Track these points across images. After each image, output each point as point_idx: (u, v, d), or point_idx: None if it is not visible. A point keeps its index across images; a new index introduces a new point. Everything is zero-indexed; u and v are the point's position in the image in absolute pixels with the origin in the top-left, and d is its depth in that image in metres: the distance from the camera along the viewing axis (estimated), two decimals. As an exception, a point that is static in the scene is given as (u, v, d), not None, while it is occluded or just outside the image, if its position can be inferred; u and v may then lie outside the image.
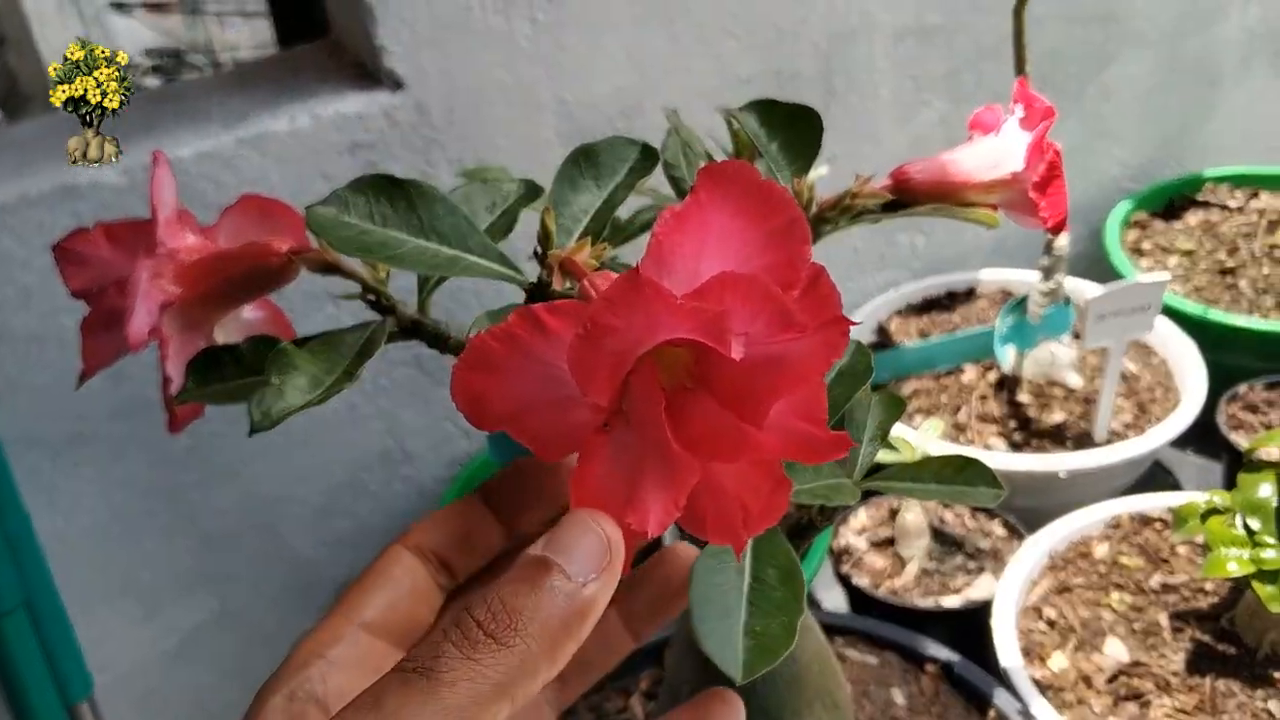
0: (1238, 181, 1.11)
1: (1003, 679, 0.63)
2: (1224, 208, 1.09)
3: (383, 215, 0.34)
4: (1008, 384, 0.88)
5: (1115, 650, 0.65)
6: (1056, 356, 0.87)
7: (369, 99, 0.72)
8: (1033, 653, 0.66)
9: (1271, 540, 0.59)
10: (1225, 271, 1.00)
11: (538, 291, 0.34)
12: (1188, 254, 1.04)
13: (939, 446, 0.75)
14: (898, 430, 0.74)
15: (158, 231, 0.37)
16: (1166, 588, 0.69)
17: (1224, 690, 0.62)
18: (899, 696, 0.64)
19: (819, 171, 0.41)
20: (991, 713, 0.62)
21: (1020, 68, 0.59)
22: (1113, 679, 0.64)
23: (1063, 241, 0.80)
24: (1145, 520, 0.74)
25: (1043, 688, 0.63)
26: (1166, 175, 1.13)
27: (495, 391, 0.24)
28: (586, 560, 0.24)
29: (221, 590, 0.83)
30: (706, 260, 0.24)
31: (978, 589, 0.74)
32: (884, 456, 0.38)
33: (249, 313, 0.41)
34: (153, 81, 2.23)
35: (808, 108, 0.39)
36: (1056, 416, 0.86)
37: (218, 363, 0.36)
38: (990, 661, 0.65)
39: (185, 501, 0.78)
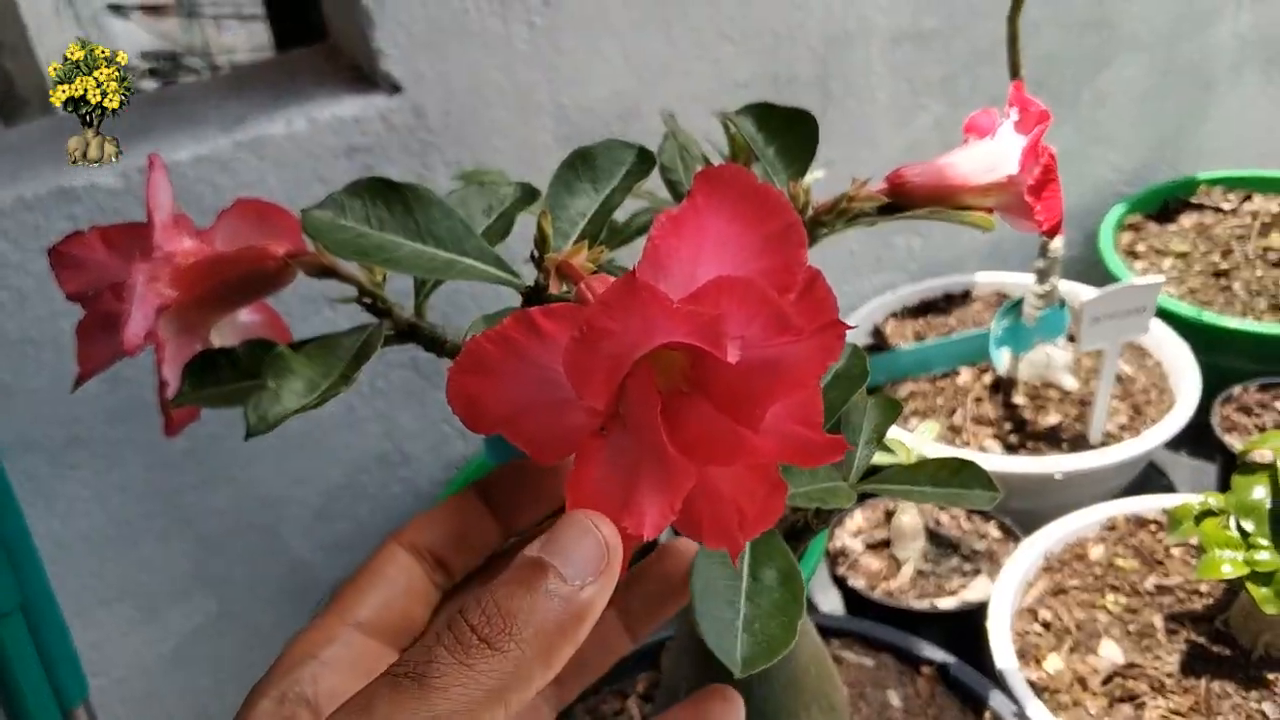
0: (1231, 184, 1.12)
1: (998, 681, 0.63)
2: (1218, 210, 1.10)
3: (379, 219, 0.34)
4: (1003, 386, 0.89)
5: (1110, 652, 0.66)
6: (1052, 359, 0.88)
7: (366, 102, 0.72)
8: (1028, 654, 0.66)
9: (1265, 542, 0.59)
10: (1219, 274, 1.01)
11: (534, 295, 0.34)
12: (1182, 256, 1.04)
13: (935, 449, 0.75)
14: (893, 432, 0.74)
15: (154, 235, 0.37)
16: (1161, 589, 0.69)
17: (1219, 691, 0.62)
18: (895, 698, 0.64)
19: (815, 175, 0.41)
20: (987, 714, 0.62)
21: (1015, 72, 0.59)
22: (1108, 680, 0.64)
23: (1058, 244, 0.80)
24: (1140, 522, 0.75)
25: (1038, 689, 0.63)
26: (1160, 178, 1.13)
27: (491, 394, 0.24)
28: (584, 563, 0.23)
29: (219, 593, 0.83)
30: (703, 264, 0.24)
31: (973, 591, 0.74)
32: (880, 459, 0.38)
33: (245, 316, 0.41)
34: (149, 84, 2.23)
35: (804, 112, 0.40)
36: (1052, 419, 0.86)
37: (214, 366, 0.36)
38: (986, 663, 0.65)
39: (182, 504, 0.78)
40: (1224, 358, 0.90)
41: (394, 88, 0.73)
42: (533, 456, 0.25)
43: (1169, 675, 0.63)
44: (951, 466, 0.38)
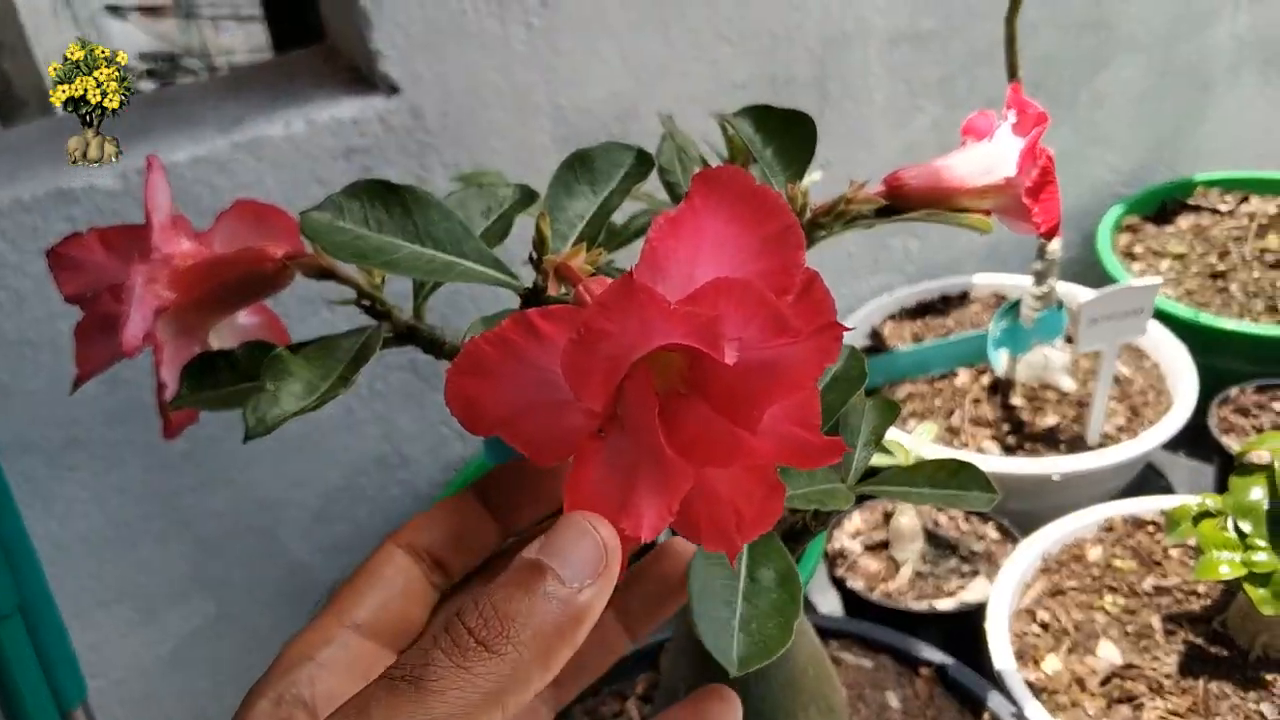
0: (1228, 186, 1.12)
1: (997, 682, 0.64)
2: (1215, 212, 1.10)
3: (378, 221, 0.34)
4: (1001, 388, 0.89)
5: (1108, 653, 0.66)
6: (1049, 360, 0.88)
7: (364, 104, 0.73)
8: (1026, 655, 0.66)
9: (1263, 543, 0.59)
10: (1216, 275, 1.01)
11: (533, 297, 0.34)
12: (1179, 258, 1.04)
13: (933, 450, 0.75)
14: (892, 434, 0.74)
15: (152, 237, 0.37)
16: (1159, 590, 0.69)
17: (1216, 692, 0.62)
18: (894, 700, 0.64)
19: (813, 177, 0.41)
20: (986, 715, 0.62)
21: (1013, 74, 0.59)
22: (1106, 681, 0.64)
23: (1055, 246, 0.80)
24: (1138, 523, 0.75)
25: (1036, 690, 0.63)
26: (1158, 180, 1.13)
27: (489, 396, 0.24)
28: (582, 565, 0.23)
29: (217, 595, 0.83)
30: (701, 266, 0.24)
31: (972, 592, 0.74)
32: (878, 460, 0.38)
33: (244, 318, 0.41)
34: (147, 85, 2.23)
35: (802, 113, 0.40)
36: (1050, 420, 0.86)
37: (213, 368, 0.36)
38: (984, 664, 0.65)
39: (181, 507, 0.78)
40: (1221, 359, 0.91)
41: (392, 89, 0.73)
42: (531, 458, 0.25)
43: (1167, 676, 0.63)
44: (949, 468, 0.38)
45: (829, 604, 0.80)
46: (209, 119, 0.72)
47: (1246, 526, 0.60)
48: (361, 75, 0.74)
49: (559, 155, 0.37)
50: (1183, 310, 0.93)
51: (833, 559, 0.78)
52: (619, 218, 0.43)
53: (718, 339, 0.23)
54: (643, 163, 0.37)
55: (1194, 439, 0.86)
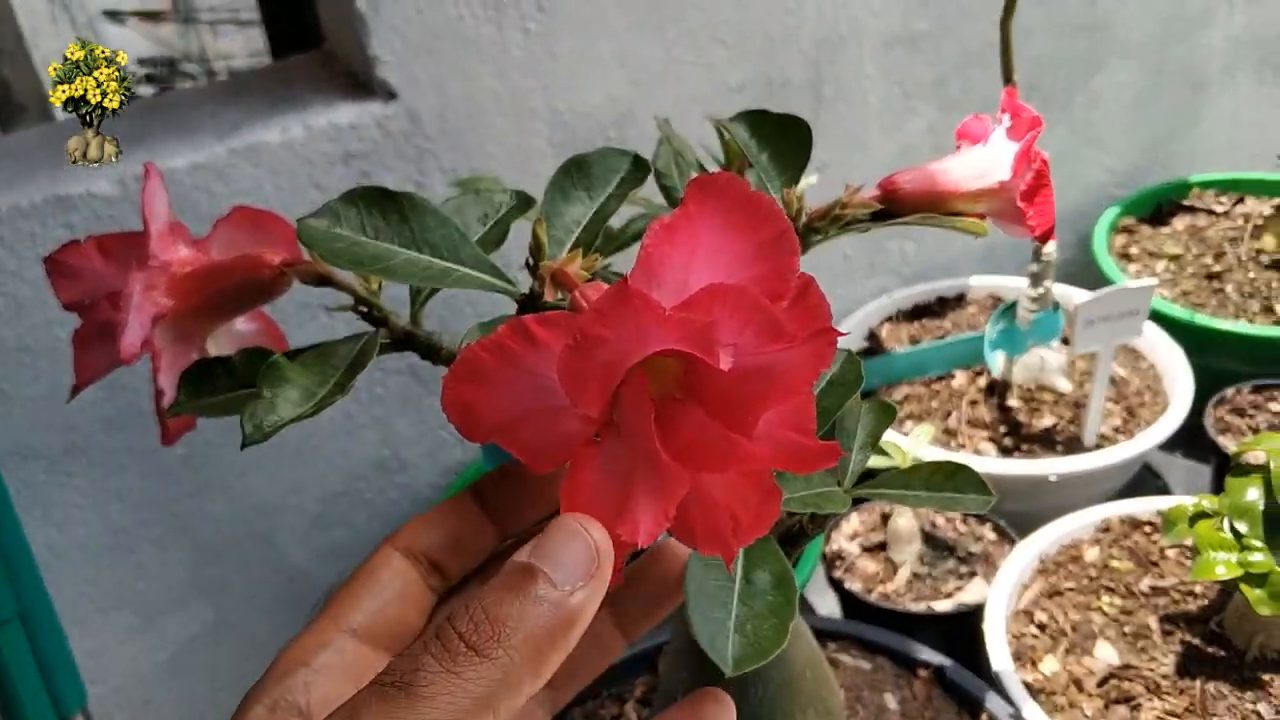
0: (1223, 186, 1.12)
1: (994, 683, 0.64)
2: (1210, 212, 1.10)
3: (375, 227, 0.34)
4: (998, 389, 0.89)
5: (1106, 653, 0.66)
6: (1046, 361, 0.88)
7: (362, 109, 0.73)
8: (1024, 656, 0.66)
9: (1259, 543, 0.59)
10: (1212, 276, 1.01)
11: (529, 302, 0.34)
12: (1175, 259, 1.05)
13: (929, 452, 0.75)
14: (889, 436, 0.74)
15: (150, 244, 0.37)
16: (1156, 591, 0.69)
17: (1214, 692, 0.62)
18: (891, 701, 0.64)
19: (808, 181, 0.41)
20: (984, 717, 0.62)
21: (1008, 77, 0.59)
22: (1103, 682, 0.64)
23: (1051, 248, 0.80)
24: (1135, 524, 0.75)
25: (1034, 691, 0.63)
26: (1153, 181, 1.13)
27: (486, 402, 0.24)
28: (574, 567, 0.23)
29: (216, 601, 0.83)
30: (696, 272, 0.24)
31: (969, 593, 0.74)
32: (875, 461, 0.38)
33: (242, 324, 0.41)
34: (146, 90, 2.23)
35: (798, 118, 0.40)
36: (1046, 421, 0.86)
37: (210, 375, 0.36)
38: (982, 665, 0.65)
39: (179, 513, 0.78)
40: (1217, 360, 0.91)
41: (390, 94, 0.73)
42: (528, 464, 0.25)
43: (1164, 676, 0.64)
44: (946, 471, 0.38)
45: (827, 605, 0.80)
46: (207, 125, 0.72)
47: (1243, 527, 0.60)
48: (359, 81, 0.75)
49: (556, 160, 0.37)
50: (1179, 311, 0.94)
51: (831, 561, 0.79)
52: (616, 222, 0.43)
53: (713, 345, 0.23)
54: (639, 168, 0.38)
55: (1190, 439, 0.86)
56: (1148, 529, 0.74)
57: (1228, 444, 0.83)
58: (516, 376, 0.24)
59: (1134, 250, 1.07)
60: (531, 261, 0.34)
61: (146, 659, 0.82)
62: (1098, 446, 0.83)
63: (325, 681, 0.27)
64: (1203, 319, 0.93)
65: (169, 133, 0.71)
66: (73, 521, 0.75)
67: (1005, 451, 0.84)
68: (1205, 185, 1.13)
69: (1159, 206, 1.12)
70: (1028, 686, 0.63)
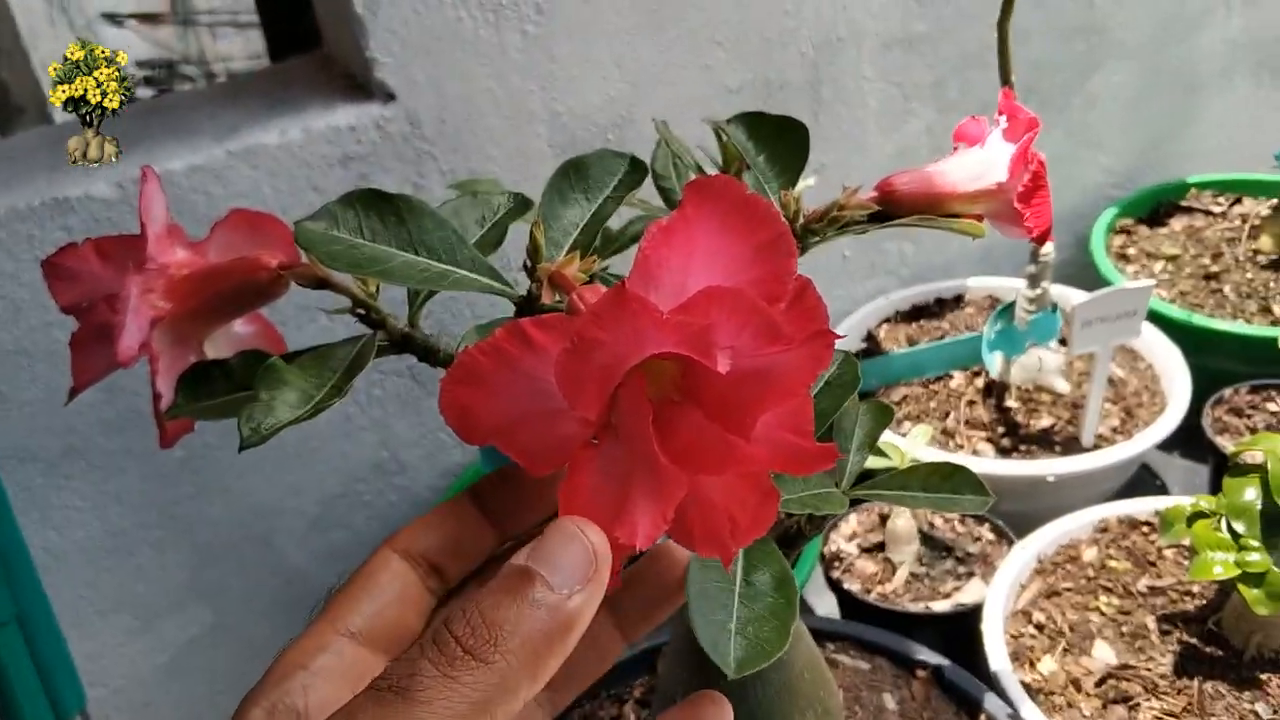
0: (1221, 187, 1.13)
1: (993, 683, 0.64)
2: (1208, 213, 1.10)
3: (372, 230, 0.34)
4: (996, 390, 0.89)
5: (1104, 653, 0.66)
6: (1044, 362, 0.88)
7: (360, 111, 0.73)
8: (1022, 656, 0.66)
9: (1256, 543, 0.59)
10: (1209, 276, 1.01)
11: (527, 305, 0.34)
12: (1172, 259, 1.05)
13: (927, 452, 0.75)
14: (886, 436, 0.74)
15: (148, 247, 0.37)
16: (1154, 591, 0.70)
17: (1211, 692, 0.62)
18: (890, 702, 0.64)
19: (806, 183, 0.41)
20: (982, 717, 0.63)
21: (1005, 79, 0.59)
22: (1101, 682, 0.64)
23: (1049, 249, 0.80)
24: (1133, 524, 0.75)
25: (1032, 691, 0.63)
26: (1151, 182, 1.14)
27: (483, 405, 0.24)
28: (571, 571, 0.23)
29: (215, 603, 0.83)
30: (693, 274, 0.24)
31: (967, 593, 0.74)
32: (873, 462, 0.38)
33: (240, 327, 0.41)
34: (145, 92, 2.23)
35: (795, 120, 0.40)
36: (1044, 421, 0.86)
37: (208, 378, 0.36)
38: (980, 666, 0.65)
39: (178, 515, 0.78)
40: (1215, 360, 0.91)
41: (388, 96, 0.73)
42: (526, 467, 0.25)
43: (1162, 676, 0.64)
44: (943, 472, 0.38)
45: (825, 606, 0.80)
46: (205, 127, 0.72)
47: (1240, 527, 0.60)
48: (358, 83, 0.75)
49: (555, 162, 0.38)
50: (1176, 312, 0.94)
51: (829, 561, 0.79)
52: (615, 224, 0.44)
53: (710, 347, 0.23)
54: (636, 170, 0.38)
55: (1188, 440, 0.86)
56: (1145, 529, 0.74)
57: (1225, 444, 0.83)
58: (514, 379, 0.24)
59: (1132, 251, 1.07)
60: (529, 263, 0.34)
61: (145, 661, 0.82)
62: (1096, 447, 0.83)
63: (323, 684, 0.27)
64: (1200, 319, 0.93)
65: (167, 135, 0.71)
66: (71, 524, 0.75)
67: (1003, 452, 0.84)
68: (1203, 186, 1.13)
69: (1156, 207, 1.12)
70: (1026, 686, 0.63)
